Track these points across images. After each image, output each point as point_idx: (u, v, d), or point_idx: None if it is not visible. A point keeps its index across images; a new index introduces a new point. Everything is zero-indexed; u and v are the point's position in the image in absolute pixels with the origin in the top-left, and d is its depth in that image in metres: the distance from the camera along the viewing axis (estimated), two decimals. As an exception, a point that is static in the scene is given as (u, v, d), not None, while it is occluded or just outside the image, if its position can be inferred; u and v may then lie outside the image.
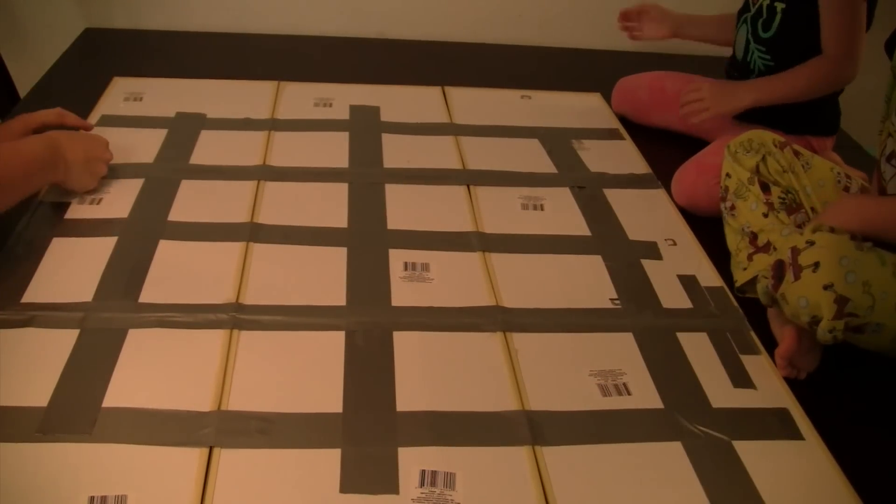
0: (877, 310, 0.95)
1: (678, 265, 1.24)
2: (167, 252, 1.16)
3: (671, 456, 0.92)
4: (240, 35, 1.98)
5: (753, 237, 1.17)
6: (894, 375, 1.10)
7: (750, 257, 1.16)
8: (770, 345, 1.09)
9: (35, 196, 1.25)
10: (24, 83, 1.71)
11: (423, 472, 0.87)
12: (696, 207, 1.40)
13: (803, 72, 1.41)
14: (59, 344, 0.99)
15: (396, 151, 1.49)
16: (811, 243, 0.98)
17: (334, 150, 1.48)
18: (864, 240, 0.99)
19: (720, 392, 1.01)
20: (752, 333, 1.11)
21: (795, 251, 0.99)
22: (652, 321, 1.12)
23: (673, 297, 1.17)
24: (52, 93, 1.64)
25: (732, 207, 1.23)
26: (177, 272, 1.13)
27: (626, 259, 1.24)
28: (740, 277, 1.17)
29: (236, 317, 1.05)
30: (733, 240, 1.23)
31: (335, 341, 1.04)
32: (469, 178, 1.42)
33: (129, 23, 2.00)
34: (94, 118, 1.50)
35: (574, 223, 1.33)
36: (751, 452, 0.93)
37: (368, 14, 2.05)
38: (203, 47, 1.94)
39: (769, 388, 1.03)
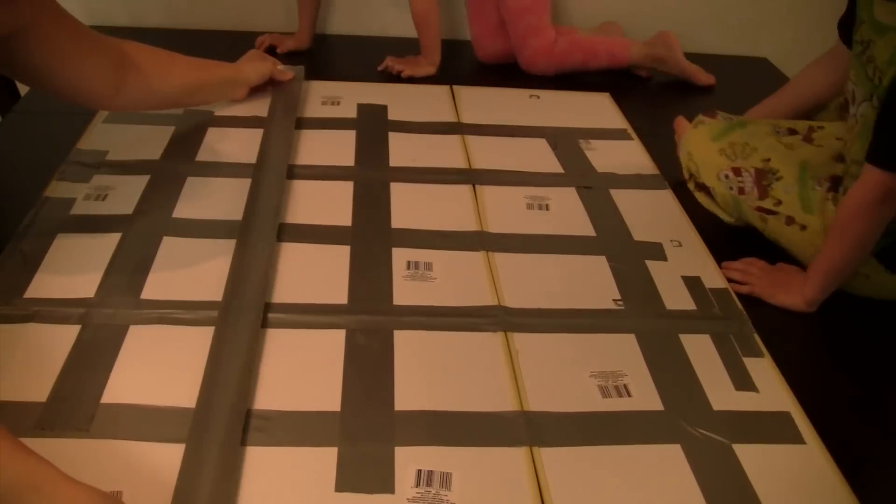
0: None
1: (683, 266, 1.23)
2: (170, 249, 1.17)
3: (670, 458, 0.91)
4: (247, 33, 1.98)
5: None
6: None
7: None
8: (772, 347, 1.08)
9: (41, 192, 1.26)
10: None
11: (420, 471, 0.87)
12: None
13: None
14: (60, 339, 0.99)
15: (403, 150, 1.49)
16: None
17: (341, 148, 1.48)
18: None
19: (721, 394, 1.00)
20: (756, 336, 1.10)
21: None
22: (655, 322, 1.11)
23: (677, 298, 1.16)
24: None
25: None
26: (180, 269, 1.13)
27: (631, 260, 1.24)
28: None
29: (237, 314, 1.05)
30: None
31: (335, 339, 1.03)
32: (474, 178, 1.42)
33: (131, 20, 2.01)
34: (101, 115, 1.51)
35: (579, 223, 1.32)
36: (751, 456, 0.92)
37: (376, 12, 2.05)
38: (211, 45, 1.93)
39: (771, 391, 1.02)
